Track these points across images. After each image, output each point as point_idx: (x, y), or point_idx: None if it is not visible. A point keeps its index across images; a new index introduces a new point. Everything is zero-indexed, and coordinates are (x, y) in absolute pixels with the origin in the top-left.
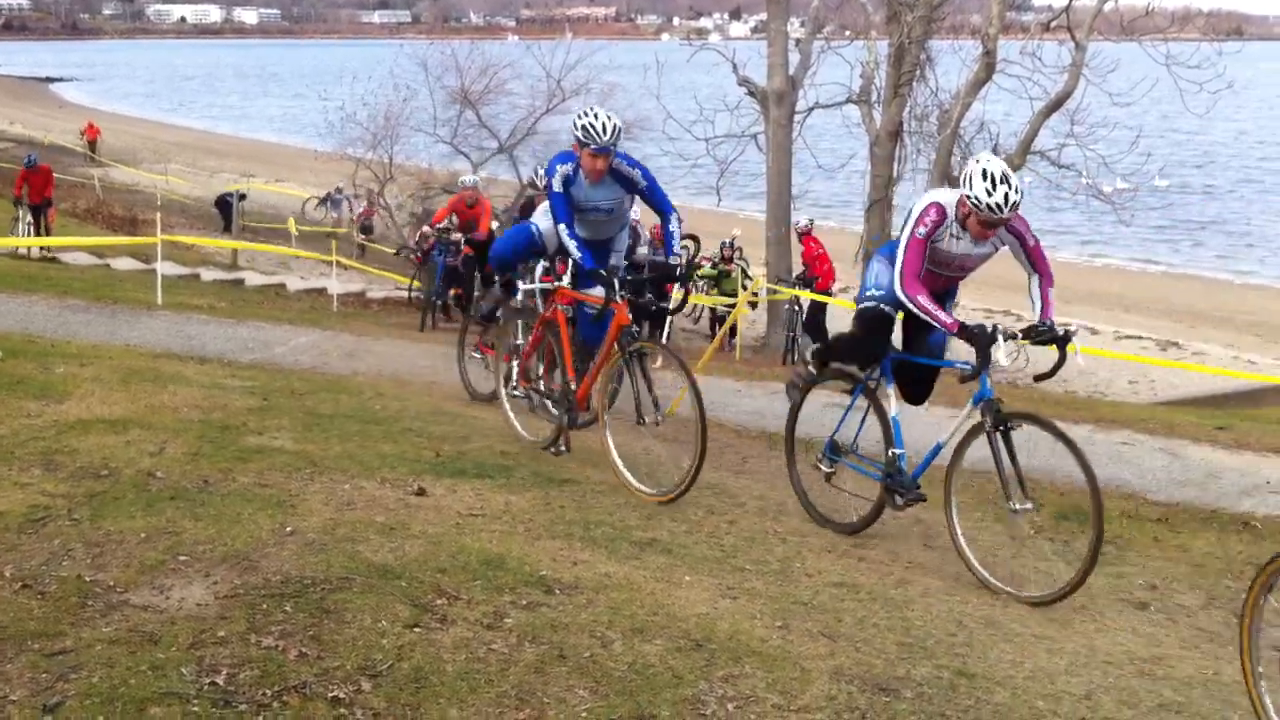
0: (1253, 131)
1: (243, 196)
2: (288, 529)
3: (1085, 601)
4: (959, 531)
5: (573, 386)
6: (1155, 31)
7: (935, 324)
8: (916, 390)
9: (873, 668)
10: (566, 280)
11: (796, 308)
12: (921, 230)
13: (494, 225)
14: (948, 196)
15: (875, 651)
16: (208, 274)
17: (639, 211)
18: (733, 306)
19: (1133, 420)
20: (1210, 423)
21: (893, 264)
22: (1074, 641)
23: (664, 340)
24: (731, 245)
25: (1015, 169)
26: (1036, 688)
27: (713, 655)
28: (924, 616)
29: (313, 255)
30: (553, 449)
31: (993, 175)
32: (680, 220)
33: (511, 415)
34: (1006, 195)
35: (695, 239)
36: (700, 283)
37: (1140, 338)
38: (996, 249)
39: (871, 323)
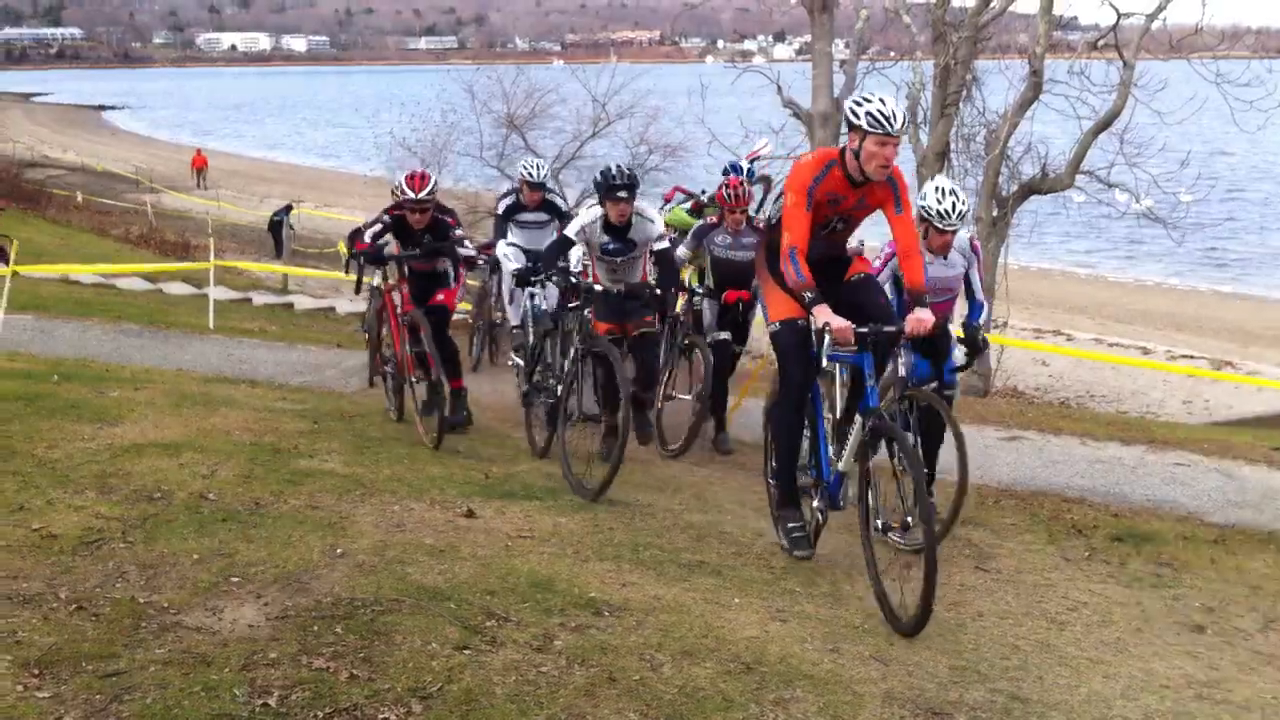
0: None
1: (289, 209)
2: (338, 551)
3: (1141, 625)
4: None
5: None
6: (1204, 50)
7: None
8: None
9: (925, 691)
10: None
11: None
12: None
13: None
14: None
15: (927, 675)
16: (259, 298)
17: None
18: None
19: (1186, 441)
20: (1267, 443)
21: None
22: (1130, 665)
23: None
24: None
25: (1064, 189)
26: (1092, 712)
27: (763, 678)
28: (976, 640)
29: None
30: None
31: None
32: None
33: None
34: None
35: None
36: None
37: (1193, 356)
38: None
39: None
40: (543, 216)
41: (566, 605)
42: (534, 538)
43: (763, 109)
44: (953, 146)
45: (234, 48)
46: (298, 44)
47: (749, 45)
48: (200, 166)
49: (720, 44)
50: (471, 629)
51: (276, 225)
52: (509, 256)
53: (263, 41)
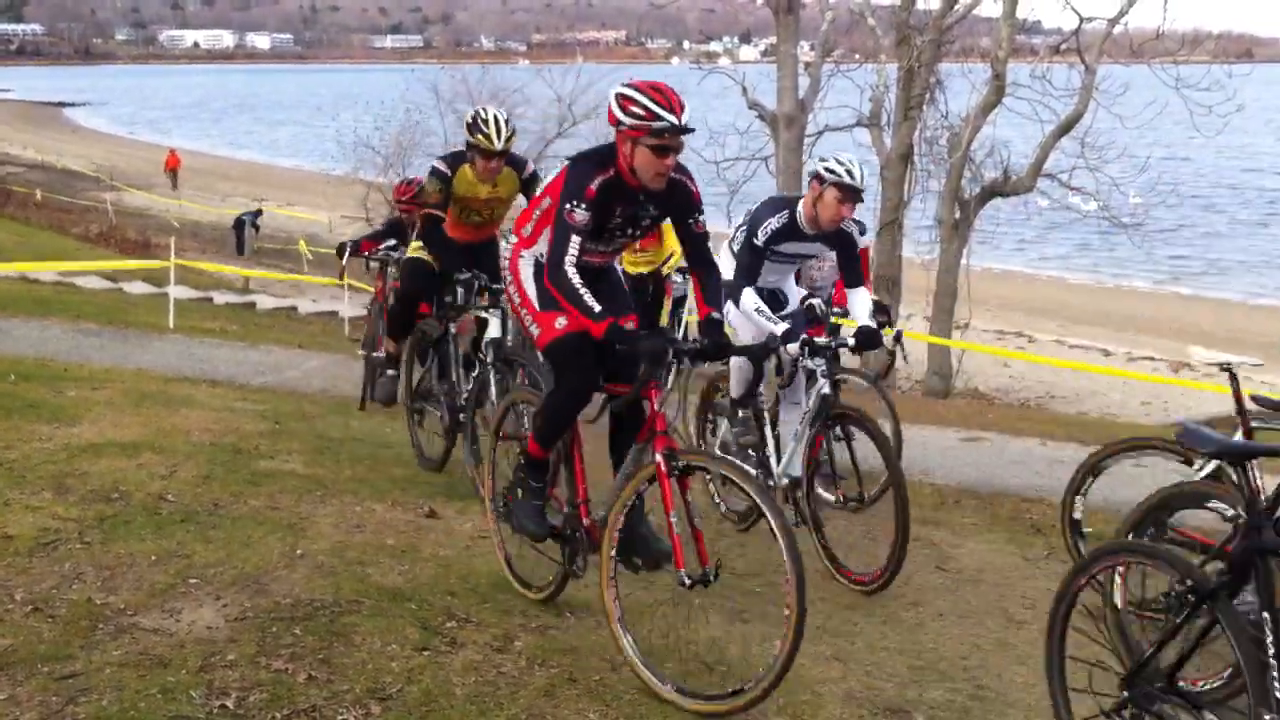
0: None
1: (258, 213)
2: (298, 552)
3: None
4: None
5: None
6: (1165, 54)
7: None
8: None
9: (884, 691)
10: None
11: None
12: None
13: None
14: None
15: (887, 675)
16: (220, 297)
17: None
18: None
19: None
20: None
21: None
22: None
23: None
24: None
25: (1026, 191)
26: (1050, 710)
27: (724, 678)
28: (936, 639)
29: (326, 280)
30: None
31: None
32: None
33: None
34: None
35: None
36: None
37: (1153, 359)
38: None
39: None
40: (812, 247)
41: (527, 606)
42: None
43: (728, 110)
44: (916, 149)
45: (197, 45)
46: (261, 41)
47: (715, 46)
48: (174, 167)
49: (686, 45)
50: (432, 630)
51: (240, 224)
52: (768, 318)
53: (226, 39)
